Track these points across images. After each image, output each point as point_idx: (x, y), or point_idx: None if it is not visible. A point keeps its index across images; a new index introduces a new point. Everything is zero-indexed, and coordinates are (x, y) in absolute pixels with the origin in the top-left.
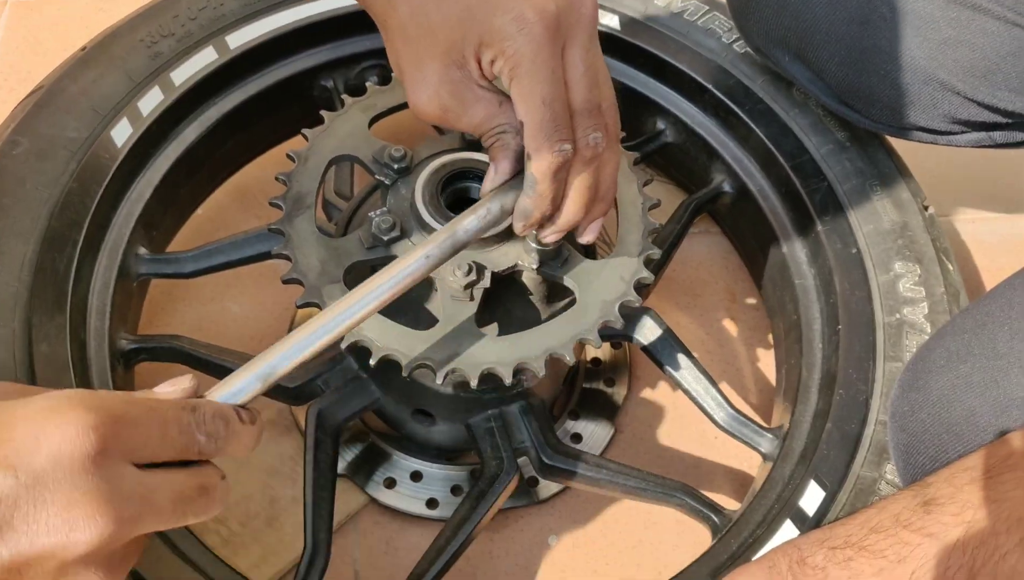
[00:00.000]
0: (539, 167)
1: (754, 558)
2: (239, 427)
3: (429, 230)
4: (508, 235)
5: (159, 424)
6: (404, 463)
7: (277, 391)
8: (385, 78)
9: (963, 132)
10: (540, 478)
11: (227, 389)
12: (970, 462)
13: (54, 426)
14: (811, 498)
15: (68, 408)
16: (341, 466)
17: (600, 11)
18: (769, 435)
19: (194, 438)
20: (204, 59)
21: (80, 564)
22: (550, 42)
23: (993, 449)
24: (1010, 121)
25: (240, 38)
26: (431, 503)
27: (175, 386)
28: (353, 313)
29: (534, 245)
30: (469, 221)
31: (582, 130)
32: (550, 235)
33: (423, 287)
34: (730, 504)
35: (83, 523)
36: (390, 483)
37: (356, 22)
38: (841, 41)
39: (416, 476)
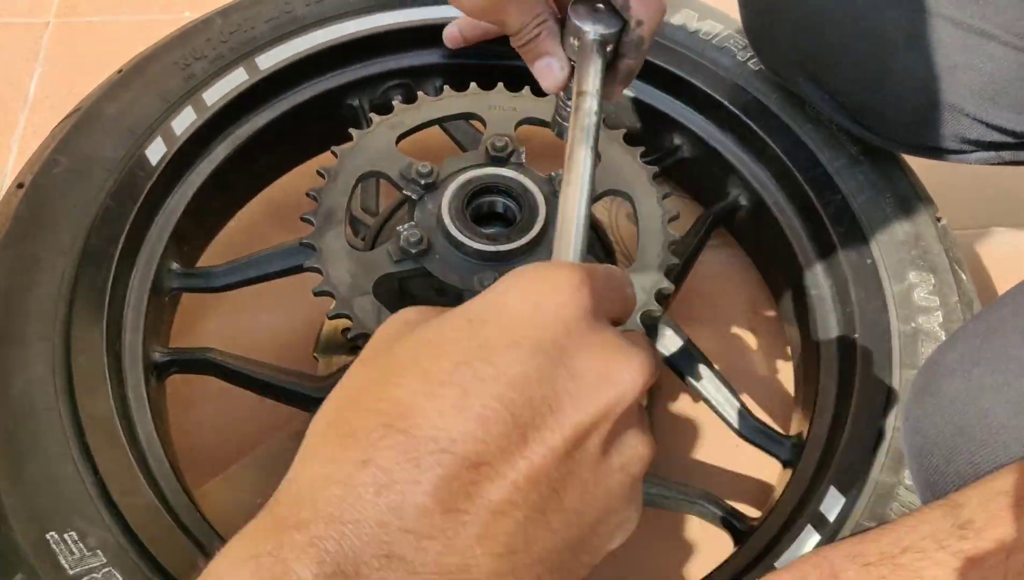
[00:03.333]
0: (650, 27)
1: (777, 564)
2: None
3: (456, 244)
4: (532, 247)
5: (614, 285)
6: None
7: (297, 398)
8: (410, 97)
9: (972, 151)
10: None
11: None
12: (1002, 485)
13: (552, 292)
14: (831, 504)
15: (554, 273)
16: None
17: None
18: (789, 443)
19: (628, 295)
20: (235, 80)
21: (625, 422)
22: None
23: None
24: (1018, 141)
25: (270, 59)
26: None
27: None
28: (587, 183)
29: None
30: (591, 117)
31: None
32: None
33: (451, 299)
34: (751, 511)
35: (619, 373)
36: None
37: (381, 43)
38: (854, 64)
39: None
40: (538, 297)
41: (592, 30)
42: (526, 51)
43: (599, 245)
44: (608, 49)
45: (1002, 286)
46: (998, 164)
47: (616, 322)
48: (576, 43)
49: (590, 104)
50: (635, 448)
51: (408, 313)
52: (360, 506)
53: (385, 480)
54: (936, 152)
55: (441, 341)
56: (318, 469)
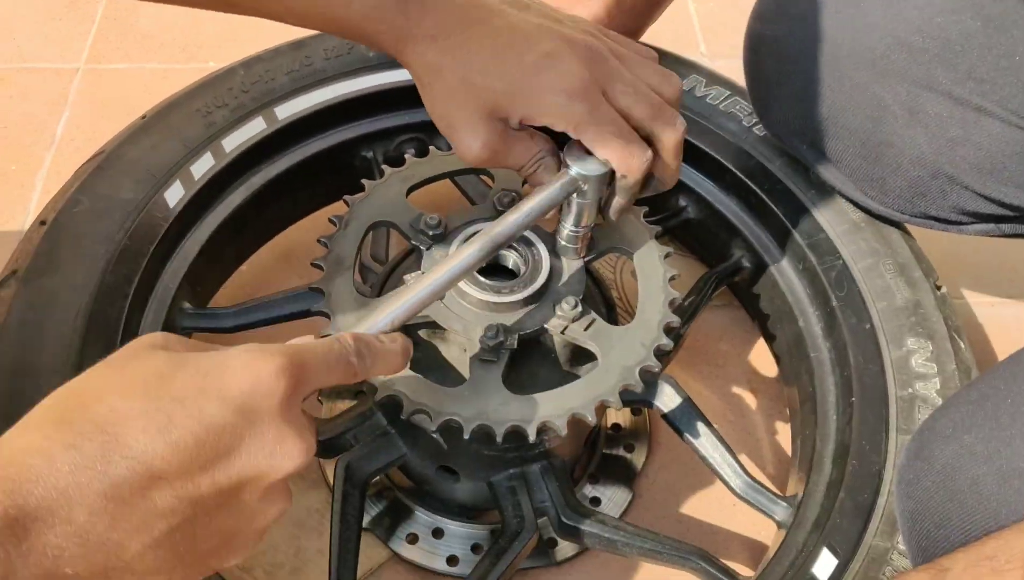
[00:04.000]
0: (635, 178)
1: None
2: (381, 347)
3: (460, 293)
4: (535, 299)
5: (325, 364)
6: (426, 519)
7: None
8: (422, 151)
9: (972, 222)
10: (559, 538)
11: (363, 326)
12: (989, 550)
13: (264, 371)
14: (824, 566)
15: (270, 356)
16: (365, 520)
17: None
18: (784, 503)
19: (350, 363)
20: (254, 128)
21: (278, 485)
22: (595, 96)
23: (1013, 539)
24: (1017, 214)
25: (288, 110)
26: (451, 560)
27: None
28: (444, 278)
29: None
30: (516, 217)
31: (659, 127)
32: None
33: (454, 347)
34: (745, 571)
35: (290, 452)
36: (412, 539)
37: (395, 98)
38: (855, 134)
39: (438, 533)
40: (256, 375)
41: (573, 168)
42: (528, 180)
43: (601, 300)
44: (585, 187)
45: (1002, 356)
46: (998, 236)
47: (342, 381)
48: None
49: (514, 220)
50: (276, 504)
51: (158, 338)
52: (55, 476)
53: (81, 464)
54: (935, 222)
55: (172, 375)
56: (32, 440)
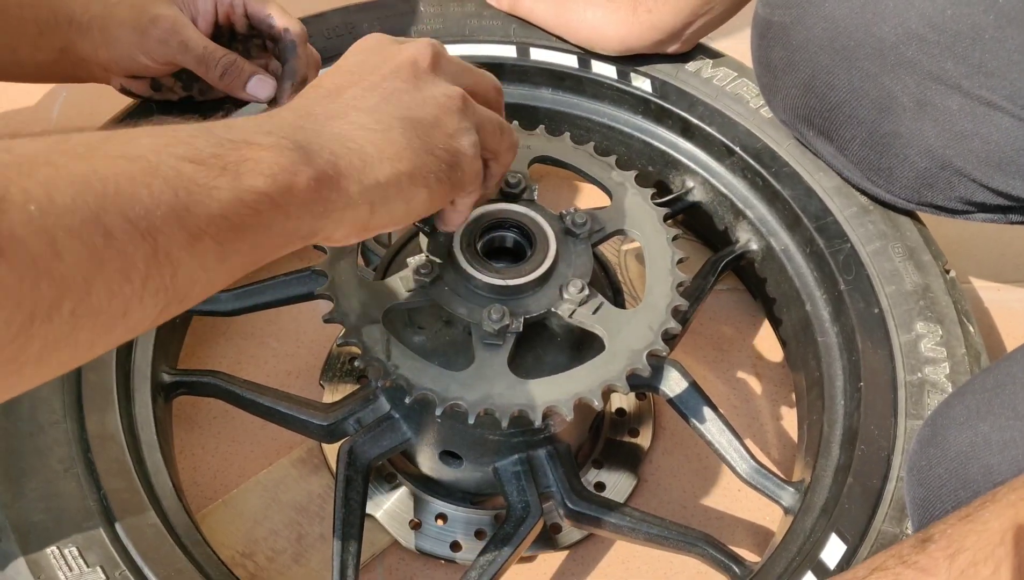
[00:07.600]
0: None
1: None
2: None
3: (466, 277)
4: (541, 282)
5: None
6: (430, 505)
7: (300, 425)
8: None
9: (978, 212)
10: (564, 524)
11: None
12: (966, 510)
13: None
14: (832, 551)
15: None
16: (368, 506)
17: (633, 74)
18: (791, 489)
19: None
20: (248, 109)
21: (437, 62)
22: None
23: (987, 498)
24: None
25: None
26: (455, 546)
27: None
28: None
29: (567, 295)
30: None
31: None
32: None
33: (458, 331)
34: (751, 556)
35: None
36: (415, 524)
37: None
38: (863, 124)
39: (441, 518)
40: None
41: None
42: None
43: (607, 283)
44: None
45: (1010, 342)
46: (1005, 224)
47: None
48: None
49: None
50: (438, 83)
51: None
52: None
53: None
54: (942, 211)
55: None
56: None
